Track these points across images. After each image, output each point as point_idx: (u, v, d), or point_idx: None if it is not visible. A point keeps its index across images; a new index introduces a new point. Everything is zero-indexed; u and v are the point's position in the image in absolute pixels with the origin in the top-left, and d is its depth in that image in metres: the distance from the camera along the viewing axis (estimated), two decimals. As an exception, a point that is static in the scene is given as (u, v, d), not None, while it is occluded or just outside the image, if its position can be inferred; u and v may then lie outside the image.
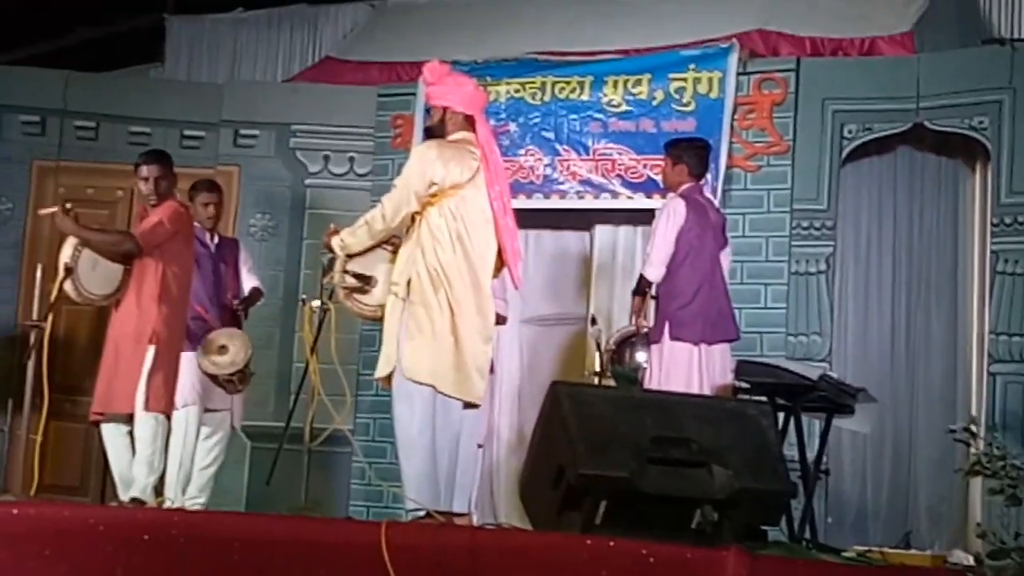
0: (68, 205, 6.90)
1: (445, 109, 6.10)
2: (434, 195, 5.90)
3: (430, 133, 6.19)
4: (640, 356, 7.45)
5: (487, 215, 5.97)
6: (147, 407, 6.78)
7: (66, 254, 6.78)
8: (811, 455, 6.96)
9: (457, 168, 5.91)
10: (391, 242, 6.13)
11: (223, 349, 7.53)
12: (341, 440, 7.68)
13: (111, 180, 9.24)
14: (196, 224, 7.65)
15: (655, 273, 7.09)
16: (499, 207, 6.00)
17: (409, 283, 5.86)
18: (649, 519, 4.99)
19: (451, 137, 6.06)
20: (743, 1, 9.11)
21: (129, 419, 6.82)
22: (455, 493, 5.90)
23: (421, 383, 5.82)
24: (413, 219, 5.97)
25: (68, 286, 6.76)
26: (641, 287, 7.19)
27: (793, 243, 8.22)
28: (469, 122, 6.08)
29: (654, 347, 7.10)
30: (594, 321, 8.14)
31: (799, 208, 8.24)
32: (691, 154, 7.33)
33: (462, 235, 5.89)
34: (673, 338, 7.02)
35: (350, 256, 6.13)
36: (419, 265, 5.87)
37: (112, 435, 6.90)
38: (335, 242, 6.12)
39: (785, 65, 8.46)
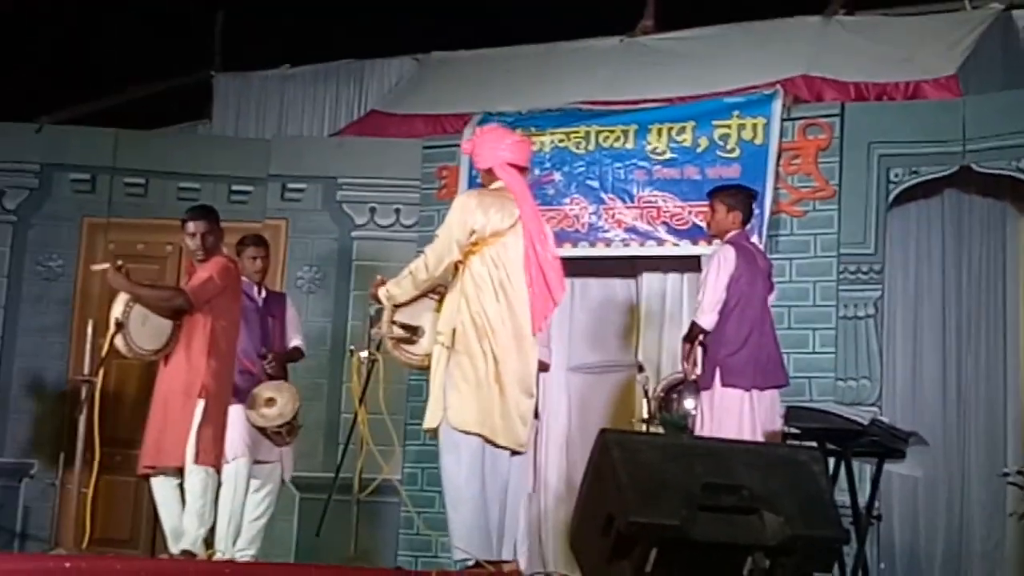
0: (120, 262, 6.98)
1: (488, 170, 6.17)
2: (475, 243, 5.94)
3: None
4: (688, 403, 7.42)
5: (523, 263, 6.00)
6: (197, 460, 6.82)
7: (117, 310, 6.85)
8: (863, 500, 6.90)
9: (498, 215, 5.95)
10: (437, 292, 6.16)
11: (271, 402, 7.56)
12: (389, 490, 7.69)
13: (161, 235, 9.32)
14: (244, 278, 7.71)
15: (708, 320, 7.06)
16: (530, 247, 5.99)
17: (454, 332, 5.89)
18: (700, 567, 4.95)
19: (492, 186, 6.11)
20: (787, 47, 9.13)
21: (179, 472, 6.86)
22: (504, 541, 5.89)
23: (468, 432, 5.83)
24: (457, 268, 6.00)
25: (119, 341, 6.83)
26: (693, 334, 7.16)
27: (841, 287, 8.19)
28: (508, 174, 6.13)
29: (704, 394, 7.06)
30: (641, 368, 8.12)
31: (846, 252, 8.21)
32: (743, 201, 7.33)
33: (504, 283, 5.92)
34: (725, 384, 6.99)
35: (396, 306, 6.16)
36: (463, 314, 5.90)
37: (162, 488, 6.93)
38: (382, 292, 6.17)
39: (830, 110, 8.46)
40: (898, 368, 8.39)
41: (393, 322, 6.20)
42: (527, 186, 6.19)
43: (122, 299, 6.88)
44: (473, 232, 5.93)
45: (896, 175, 8.26)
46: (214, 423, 6.90)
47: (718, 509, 5.00)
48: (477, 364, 5.86)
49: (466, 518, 5.80)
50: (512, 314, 5.93)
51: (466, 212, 5.97)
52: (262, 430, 7.56)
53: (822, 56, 8.91)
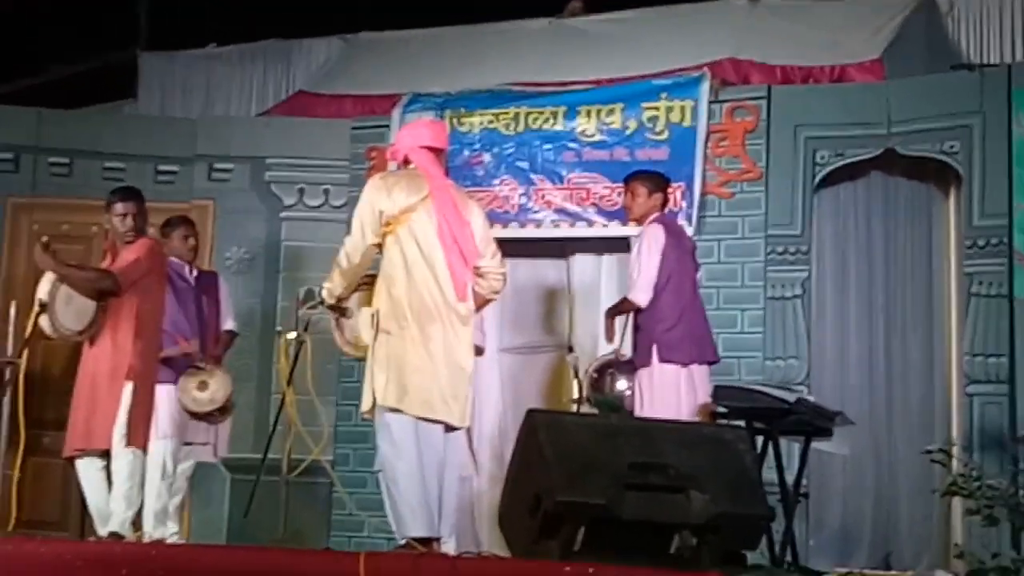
0: (46, 239, 6.89)
1: (405, 156, 6.22)
2: (388, 224, 5.96)
3: None
4: (621, 383, 7.44)
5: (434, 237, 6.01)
6: (128, 442, 6.76)
7: (43, 290, 6.76)
8: (790, 479, 6.98)
9: (403, 193, 5.98)
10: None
11: (203, 385, 7.53)
12: (320, 471, 7.66)
13: (86, 216, 9.21)
14: (175, 259, 7.66)
15: (643, 297, 7.08)
16: (444, 219, 6.00)
17: (377, 313, 5.92)
18: (628, 545, 5.00)
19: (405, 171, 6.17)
20: (714, 30, 9.18)
21: (105, 454, 6.80)
22: (442, 518, 5.91)
23: (394, 409, 5.85)
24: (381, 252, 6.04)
25: (44, 321, 6.75)
26: (621, 309, 7.21)
27: (768, 268, 8.26)
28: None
29: (642, 371, 7.08)
30: (571, 349, 8.14)
31: (773, 234, 8.29)
32: (661, 184, 7.39)
33: (419, 259, 5.93)
34: (662, 360, 7.03)
35: (339, 300, 6.19)
36: (384, 295, 5.95)
37: (88, 470, 6.88)
38: (324, 295, 6.24)
39: (756, 93, 8.52)
40: (826, 348, 8.47)
41: (332, 308, 6.24)
42: (440, 164, 6.20)
43: (48, 279, 6.79)
44: (382, 213, 5.96)
45: (822, 157, 8.33)
46: (143, 405, 6.85)
47: (645, 488, 5.05)
48: (403, 343, 5.88)
49: (401, 494, 5.81)
50: (436, 288, 5.94)
51: (372, 195, 6.01)
52: (193, 414, 7.53)
53: (749, 39, 8.97)
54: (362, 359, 6.19)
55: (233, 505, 8.64)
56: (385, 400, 5.85)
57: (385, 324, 5.90)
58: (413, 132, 6.35)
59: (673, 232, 7.27)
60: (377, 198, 5.98)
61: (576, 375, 7.87)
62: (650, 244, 7.13)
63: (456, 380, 5.95)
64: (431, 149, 6.17)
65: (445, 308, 5.93)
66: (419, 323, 5.88)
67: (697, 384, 7.07)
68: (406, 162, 6.20)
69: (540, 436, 5.14)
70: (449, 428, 5.96)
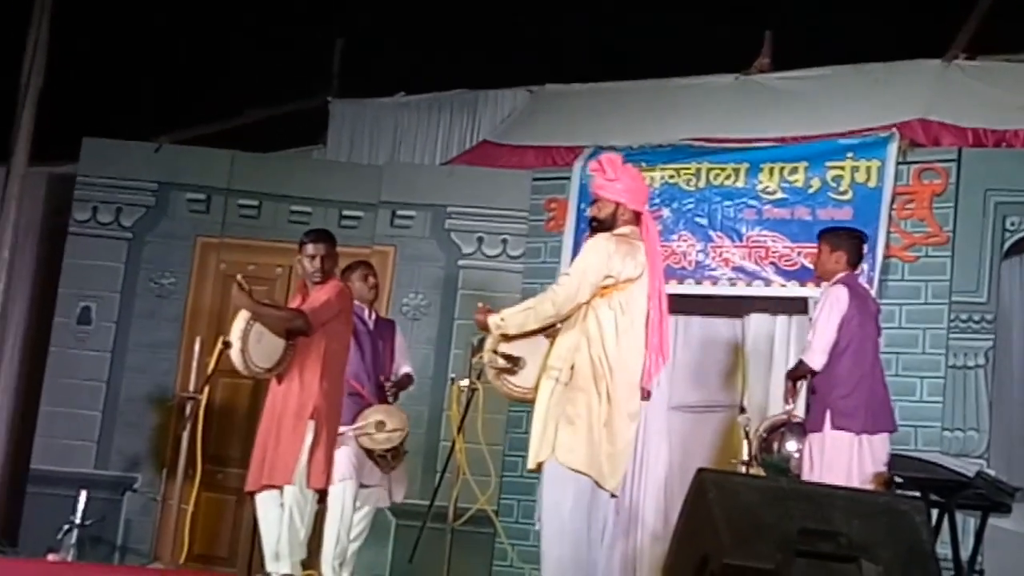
0: (242, 279, 7.06)
1: (618, 205, 6.12)
2: (606, 288, 5.93)
3: (597, 226, 6.19)
4: (790, 445, 7.31)
5: (645, 313, 6.00)
6: (308, 483, 6.87)
7: (238, 327, 6.92)
8: (965, 554, 6.75)
9: (632, 263, 5.97)
10: (549, 331, 6.15)
11: (380, 425, 7.60)
12: (484, 521, 7.69)
13: (271, 257, 9.45)
14: (356, 302, 7.78)
15: (817, 360, 6.95)
16: (655, 306, 6.04)
17: (572, 369, 5.88)
18: (795, 613, 4.87)
19: (620, 231, 6.08)
20: (904, 90, 9.00)
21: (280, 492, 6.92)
22: None
23: (577, 472, 5.82)
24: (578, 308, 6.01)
25: (235, 358, 6.89)
26: (799, 372, 7.07)
27: (951, 336, 8.04)
28: (636, 217, 6.13)
29: (813, 436, 6.94)
30: (743, 409, 8.03)
31: (958, 300, 8.07)
32: (850, 243, 7.21)
33: (626, 330, 5.93)
34: (835, 427, 6.87)
35: (505, 337, 6.15)
36: (583, 354, 5.91)
37: (267, 506, 6.99)
38: (493, 320, 6.13)
39: (946, 155, 8.34)
40: (1011, 422, 8.20)
41: (496, 352, 6.19)
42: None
43: (243, 316, 6.96)
44: (609, 277, 5.94)
45: (1012, 223, 8.11)
46: (324, 445, 6.95)
47: (815, 555, 4.92)
48: (592, 404, 5.87)
49: (565, 552, 5.79)
50: (627, 362, 5.95)
51: (605, 257, 5.96)
52: (369, 452, 7.59)
53: (940, 100, 8.78)
54: (525, 401, 6.19)
55: (397, 551, 8.69)
56: (574, 462, 5.86)
57: (579, 380, 5.90)
58: (634, 188, 6.21)
59: (858, 294, 7.08)
60: (610, 262, 5.94)
61: (747, 436, 7.75)
62: (831, 306, 6.99)
63: (628, 452, 6.04)
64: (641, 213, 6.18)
65: (631, 383, 5.98)
66: (613, 389, 5.90)
67: (871, 453, 6.88)
68: (630, 219, 6.12)
69: (709, 496, 5.05)
70: (612, 495, 6.02)
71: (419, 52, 11.42)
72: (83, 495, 8.78)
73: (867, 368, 6.97)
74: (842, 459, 6.83)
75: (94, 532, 8.90)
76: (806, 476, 6.87)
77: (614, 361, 5.90)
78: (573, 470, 5.83)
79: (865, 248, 7.57)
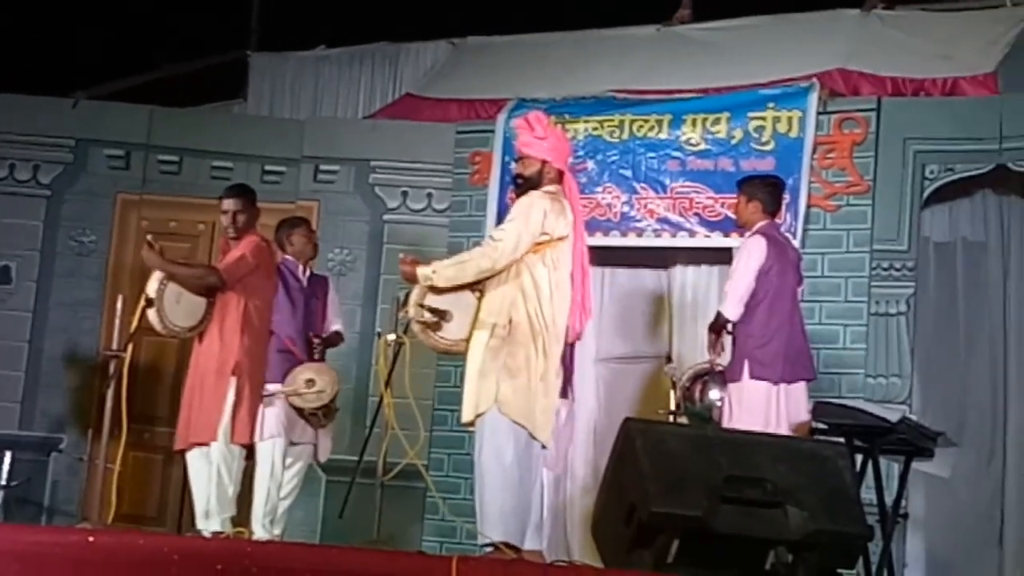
0: (150, 238, 6.99)
1: (544, 162, 6.16)
2: (539, 245, 5.98)
3: (523, 183, 6.22)
4: (713, 394, 7.39)
5: (570, 268, 6.06)
6: (232, 439, 6.86)
7: (151, 287, 6.88)
8: (889, 498, 6.86)
9: (564, 221, 6.07)
10: (477, 286, 6.16)
11: (310, 383, 7.57)
12: (415, 475, 7.67)
13: (193, 214, 9.36)
14: (290, 258, 7.73)
15: (734, 311, 7.02)
16: (579, 263, 6.13)
17: (510, 323, 5.92)
18: (722, 559, 4.95)
19: (548, 189, 6.13)
20: (824, 40, 9.06)
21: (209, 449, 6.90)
22: (542, 531, 5.97)
23: (517, 423, 5.88)
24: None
25: (153, 318, 6.86)
26: (718, 324, 7.13)
27: (873, 284, 8.14)
28: (559, 176, 6.17)
29: (732, 386, 7.03)
30: (669, 359, 8.09)
31: (879, 248, 8.16)
32: (764, 191, 7.28)
33: (558, 286, 6.01)
34: (753, 377, 6.94)
35: (432, 289, 6.15)
36: (519, 309, 5.99)
37: (198, 465, 6.97)
38: (423, 272, 6.13)
39: (866, 104, 8.40)
40: (931, 367, 8.33)
41: (422, 305, 6.18)
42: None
43: (156, 276, 6.91)
44: (544, 234, 6.02)
45: (931, 172, 8.19)
46: (248, 401, 6.94)
47: (741, 502, 5.00)
48: (531, 358, 5.97)
49: (507, 501, 5.87)
50: (557, 317, 6.04)
51: (541, 214, 6.03)
52: (299, 411, 7.57)
53: (859, 50, 8.84)
54: (451, 353, 6.24)
55: (328, 506, 8.69)
56: (514, 413, 5.95)
57: (517, 335, 5.98)
58: (559, 147, 6.32)
59: (776, 243, 7.14)
60: (545, 220, 6.02)
61: (673, 386, 7.82)
62: (748, 257, 7.05)
63: (556, 405, 6.08)
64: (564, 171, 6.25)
65: (559, 337, 6.08)
66: (547, 344, 6.00)
67: (792, 401, 6.97)
68: (555, 177, 6.18)
69: (636, 445, 5.10)
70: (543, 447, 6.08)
71: (339, 4, 11.33)
72: (7, 456, 8.69)
73: (785, 317, 7.03)
74: (760, 408, 6.91)
75: (20, 493, 8.81)
76: (726, 425, 6.95)
77: (548, 317, 5.97)
78: (514, 421, 5.88)
79: (786, 195, 7.64)
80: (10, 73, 10.19)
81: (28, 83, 9.94)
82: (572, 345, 6.78)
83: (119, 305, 7.53)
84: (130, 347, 7.15)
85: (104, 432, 7.21)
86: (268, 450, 7.41)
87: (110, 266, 9.46)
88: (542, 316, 5.97)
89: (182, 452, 7.08)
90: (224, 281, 6.94)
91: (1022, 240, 8.35)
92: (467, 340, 6.14)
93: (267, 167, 9.60)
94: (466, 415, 6.05)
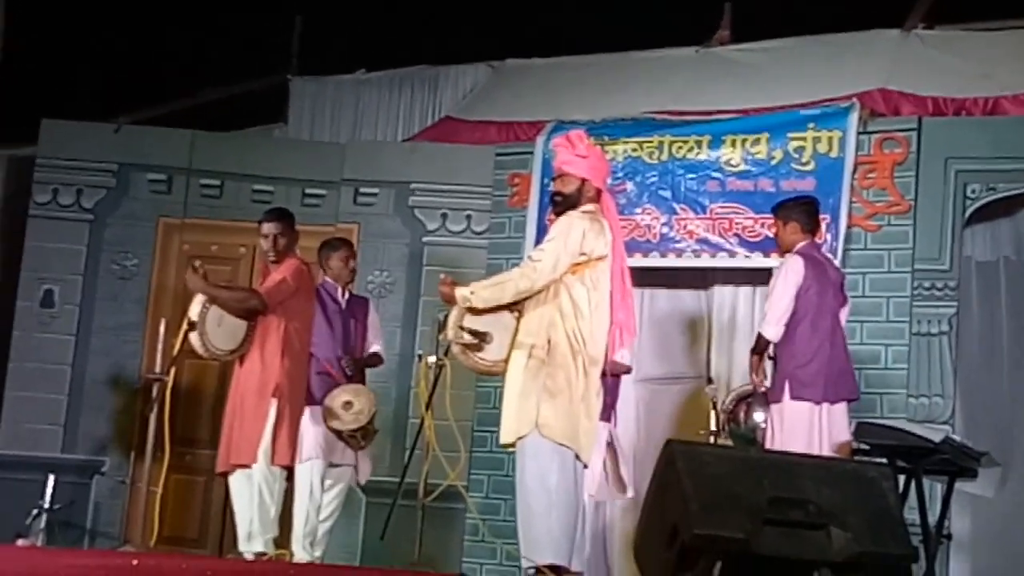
0: (197, 263, 7.03)
1: (584, 181, 6.14)
2: (578, 265, 5.96)
3: (561, 201, 6.19)
4: (757, 416, 7.37)
5: (609, 288, 6.05)
6: (272, 460, 6.88)
7: (194, 310, 6.92)
8: (933, 519, 6.81)
9: (602, 241, 6.03)
10: (517, 306, 6.15)
11: (348, 404, 7.58)
12: (455, 496, 7.69)
13: (234, 237, 9.42)
14: (329, 280, 7.76)
15: (773, 332, 7.00)
16: (619, 282, 6.08)
17: (549, 344, 5.91)
18: (765, 581, 4.91)
19: (586, 208, 6.10)
20: (864, 60, 9.04)
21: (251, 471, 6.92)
22: (582, 552, 5.99)
23: (562, 444, 5.86)
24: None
25: (195, 341, 6.89)
26: (760, 346, 7.11)
27: (915, 303, 8.10)
28: (597, 195, 6.16)
29: (774, 407, 7.01)
30: (710, 380, 8.07)
31: (920, 268, 8.12)
32: (800, 212, 7.27)
33: (598, 307, 5.99)
34: (794, 397, 6.92)
35: (471, 310, 6.14)
36: (558, 329, 5.95)
37: (240, 487, 6.99)
38: (461, 293, 6.11)
39: (907, 124, 8.38)
40: (974, 386, 8.27)
41: (462, 327, 6.18)
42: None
43: (199, 300, 6.95)
44: (583, 255, 5.98)
45: (973, 191, 8.16)
46: (288, 423, 6.96)
47: (784, 523, 4.95)
48: (571, 379, 5.93)
49: (554, 524, 5.85)
50: (596, 337, 6.00)
51: (580, 235, 6.00)
52: (338, 433, 7.58)
53: (900, 70, 8.82)
54: (492, 374, 6.22)
55: (368, 528, 8.70)
56: (557, 434, 5.93)
57: (556, 356, 5.95)
58: (599, 166, 6.30)
59: (815, 264, 7.12)
60: (584, 240, 5.99)
61: (714, 407, 7.79)
62: (785, 277, 7.03)
63: (596, 425, 6.05)
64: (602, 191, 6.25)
65: (599, 358, 6.06)
66: (588, 364, 5.97)
67: (835, 422, 6.93)
68: (593, 196, 6.16)
69: (679, 466, 5.07)
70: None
71: (379, 28, 11.38)
72: (51, 479, 8.74)
73: (826, 337, 7.01)
74: (802, 428, 6.88)
75: (63, 516, 8.86)
76: (768, 446, 6.93)
77: (587, 337, 5.94)
78: (557, 443, 5.86)
79: (826, 215, 7.61)
80: (53, 99, 10.29)
81: (71, 109, 10.03)
82: (618, 377, 6.82)
83: (161, 328, 7.59)
84: (172, 370, 7.19)
85: (147, 455, 7.26)
86: (307, 472, 7.43)
87: (152, 290, 9.52)
88: (581, 336, 5.94)
89: (224, 475, 7.11)
90: (266, 304, 6.98)
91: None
92: (506, 361, 6.13)
93: (307, 190, 9.65)
94: (505, 437, 6.03)
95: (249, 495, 6.94)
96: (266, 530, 6.96)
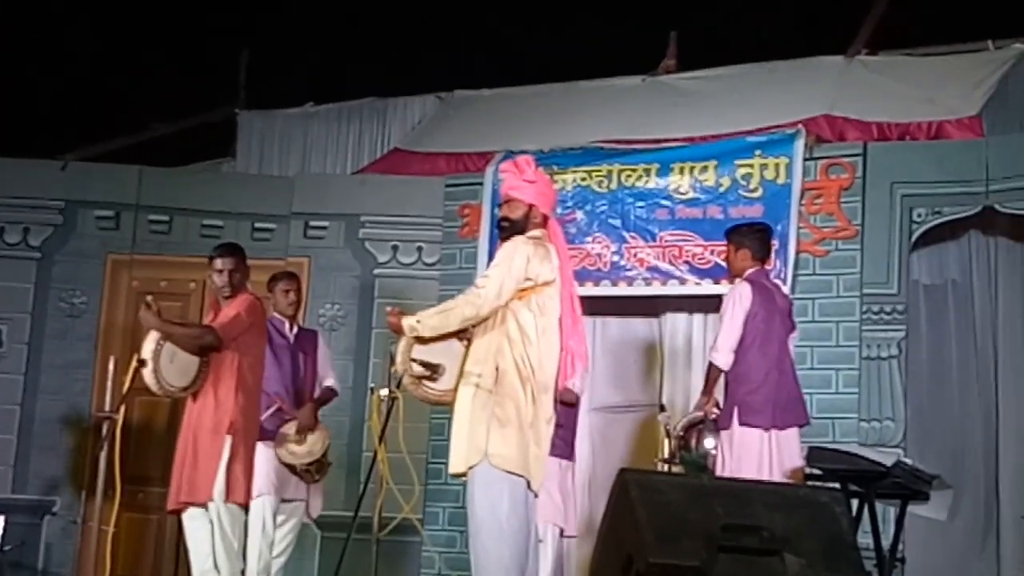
0: (149, 299, 6.97)
1: (531, 206, 6.12)
2: (524, 291, 5.93)
3: (508, 226, 6.16)
4: (708, 442, 7.37)
5: (558, 314, 6.01)
6: (227, 498, 6.81)
7: (147, 348, 6.83)
8: (886, 542, 6.84)
9: (548, 266, 5.96)
10: (464, 334, 6.12)
11: (301, 439, 7.55)
12: (410, 530, 7.67)
13: (184, 273, 9.37)
14: (276, 314, 7.73)
15: (724, 360, 7.02)
16: (568, 308, 6.04)
17: (496, 372, 5.87)
18: (721, 608, 4.91)
19: (532, 234, 6.07)
20: (809, 87, 9.13)
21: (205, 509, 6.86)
22: None
23: (512, 473, 5.82)
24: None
25: (149, 378, 6.81)
26: (712, 375, 7.13)
27: (864, 328, 8.15)
28: (544, 220, 6.14)
29: (724, 433, 7.02)
30: (663, 408, 8.08)
31: (869, 292, 8.18)
32: (752, 238, 7.29)
33: (545, 332, 5.94)
34: (743, 424, 6.94)
35: (419, 340, 6.11)
36: (506, 356, 5.88)
37: (195, 524, 6.91)
38: (407, 323, 6.05)
39: (852, 150, 8.45)
40: (924, 410, 8.33)
41: (413, 359, 6.15)
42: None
43: (152, 337, 6.88)
44: (528, 280, 5.92)
45: (919, 215, 8.23)
46: (243, 460, 6.90)
47: (739, 550, 4.96)
48: (520, 406, 5.84)
49: (505, 553, 5.78)
50: (544, 363, 5.95)
51: (524, 260, 5.92)
52: (291, 467, 7.55)
53: (844, 96, 8.91)
54: (443, 404, 6.18)
55: (323, 563, 8.66)
56: (507, 463, 5.80)
57: (504, 384, 5.85)
58: (547, 192, 6.21)
59: (763, 291, 7.14)
60: (529, 266, 5.90)
61: (667, 434, 7.80)
62: (734, 304, 7.05)
63: (546, 452, 6.00)
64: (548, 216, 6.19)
65: (547, 384, 5.94)
66: (536, 391, 5.87)
67: (785, 447, 6.95)
68: (540, 222, 6.10)
69: (632, 495, 5.07)
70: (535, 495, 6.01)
71: (326, 61, 11.39)
72: (1, 520, 8.65)
73: (774, 364, 7.02)
74: (752, 455, 6.89)
75: (14, 557, 8.77)
76: (719, 473, 6.93)
77: (535, 363, 5.91)
78: (507, 471, 5.83)
79: (775, 241, 7.64)
80: (-2, 136, 10.23)
81: (16, 146, 9.97)
82: (575, 406, 6.79)
83: (111, 366, 7.51)
84: (123, 408, 7.12)
85: (98, 494, 7.18)
86: (259, 508, 7.39)
87: (101, 327, 9.46)
88: (529, 362, 5.89)
89: (175, 512, 7.02)
90: (221, 340, 6.92)
91: (1010, 281, 8.38)
92: (455, 390, 6.10)
93: (257, 224, 9.63)
94: (455, 467, 5.99)
95: (206, 533, 6.87)
96: (234, 565, 6.88)
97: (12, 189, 9.62)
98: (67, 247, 9.59)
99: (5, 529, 8.65)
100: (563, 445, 7.12)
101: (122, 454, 7.02)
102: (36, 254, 9.56)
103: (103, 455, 7.07)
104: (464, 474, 5.94)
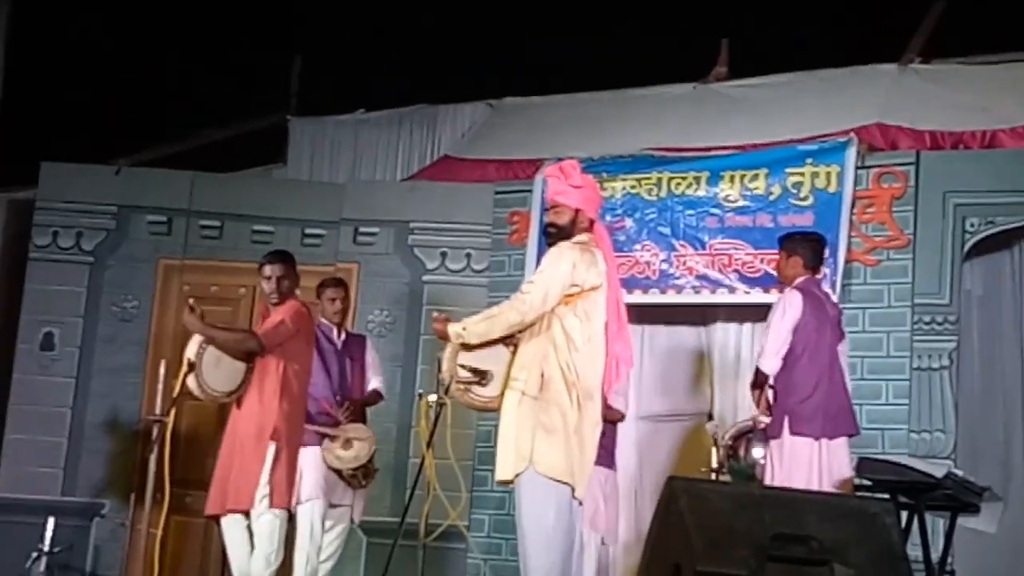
0: (193, 302, 7.02)
1: (577, 211, 6.10)
2: (570, 296, 5.91)
3: (555, 232, 6.13)
4: (757, 451, 7.34)
5: (604, 320, 5.99)
6: (271, 504, 6.83)
7: (191, 351, 6.88)
8: (935, 555, 6.78)
9: (595, 271, 5.94)
10: (511, 339, 6.11)
11: (348, 444, 7.57)
12: (456, 536, 7.67)
13: (234, 278, 9.42)
14: (323, 320, 7.75)
15: (770, 365, 6.99)
16: (614, 313, 6.02)
17: (542, 378, 5.85)
18: (769, 618, 4.88)
19: (579, 239, 6.05)
20: (861, 95, 9.07)
21: (249, 515, 6.87)
22: None
23: (558, 481, 5.80)
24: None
25: (192, 383, 6.85)
26: (758, 380, 7.10)
27: (915, 338, 8.08)
28: (590, 225, 6.12)
29: (773, 442, 6.98)
30: (711, 416, 8.05)
31: (920, 303, 8.11)
32: (805, 247, 7.26)
33: (591, 338, 5.91)
34: (793, 433, 6.90)
35: (465, 346, 6.10)
36: (551, 362, 5.86)
37: (232, 530, 6.94)
38: (453, 329, 6.05)
39: (905, 159, 8.38)
40: (975, 422, 8.25)
41: (461, 365, 6.14)
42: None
43: (195, 340, 6.92)
44: (575, 286, 5.91)
45: (972, 225, 8.16)
46: (286, 466, 6.92)
47: (787, 560, 4.93)
48: (566, 412, 5.83)
49: (554, 561, 5.78)
50: (590, 369, 5.92)
51: (570, 265, 5.92)
52: (338, 472, 7.56)
53: (897, 104, 8.84)
54: (490, 411, 6.17)
55: (369, 569, 8.66)
56: (553, 471, 5.81)
57: (549, 391, 5.85)
58: (592, 196, 6.20)
59: (813, 300, 7.11)
60: (575, 271, 5.90)
61: (715, 444, 7.77)
62: (783, 312, 7.02)
63: (593, 459, 5.97)
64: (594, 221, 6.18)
65: (595, 390, 5.94)
66: (581, 398, 5.86)
67: (835, 457, 6.91)
68: (587, 227, 6.10)
69: (681, 503, 5.05)
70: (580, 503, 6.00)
71: (377, 68, 11.43)
72: (51, 522, 8.69)
73: (824, 372, 6.99)
74: (802, 464, 6.86)
75: (63, 559, 8.80)
76: (768, 482, 6.90)
77: (580, 369, 5.88)
78: (553, 479, 5.82)
79: (826, 251, 7.60)
80: (53, 141, 10.32)
81: (71, 151, 10.06)
82: (615, 424, 6.78)
83: (161, 370, 7.58)
84: (172, 412, 7.16)
85: (147, 497, 7.23)
86: (307, 513, 7.40)
87: (152, 331, 9.52)
88: (574, 368, 5.86)
89: (214, 517, 7.04)
90: (263, 346, 6.95)
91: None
92: (502, 396, 6.09)
93: (307, 230, 9.66)
94: (501, 474, 5.98)
95: (243, 538, 6.90)
96: (269, 569, 6.89)
97: (66, 194, 9.70)
98: (119, 252, 9.67)
99: (54, 531, 8.69)
100: (604, 454, 7.10)
101: (171, 458, 7.06)
102: (89, 258, 9.64)
103: (152, 459, 7.12)
104: (511, 481, 5.93)
